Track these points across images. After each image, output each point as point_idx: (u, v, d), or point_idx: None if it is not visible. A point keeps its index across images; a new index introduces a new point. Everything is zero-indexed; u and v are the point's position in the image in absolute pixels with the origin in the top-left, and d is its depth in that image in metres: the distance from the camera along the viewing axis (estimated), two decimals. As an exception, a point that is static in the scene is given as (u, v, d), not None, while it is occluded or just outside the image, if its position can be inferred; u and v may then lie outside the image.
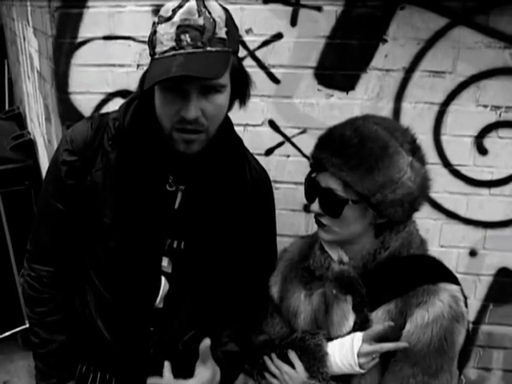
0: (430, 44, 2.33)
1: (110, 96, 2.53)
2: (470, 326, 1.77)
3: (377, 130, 1.58)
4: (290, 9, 2.34)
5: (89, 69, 2.49)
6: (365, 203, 1.59)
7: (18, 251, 4.09)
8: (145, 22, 2.33)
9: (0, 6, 7.46)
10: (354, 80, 2.41)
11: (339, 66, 2.39)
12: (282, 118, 2.50)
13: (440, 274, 1.66)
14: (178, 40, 1.40)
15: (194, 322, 1.84)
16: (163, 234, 1.72)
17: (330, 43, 2.36)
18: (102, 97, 2.53)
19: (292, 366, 1.73)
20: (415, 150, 1.62)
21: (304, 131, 2.50)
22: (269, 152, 2.54)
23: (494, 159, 2.47)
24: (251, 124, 2.50)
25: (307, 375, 1.69)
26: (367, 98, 2.43)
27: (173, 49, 1.41)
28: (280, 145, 2.54)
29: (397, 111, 2.43)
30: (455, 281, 1.65)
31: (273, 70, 2.43)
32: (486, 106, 2.40)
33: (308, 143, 2.35)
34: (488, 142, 2.45)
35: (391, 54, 2.36)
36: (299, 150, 2.52)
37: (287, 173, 2.56)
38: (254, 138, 2.49)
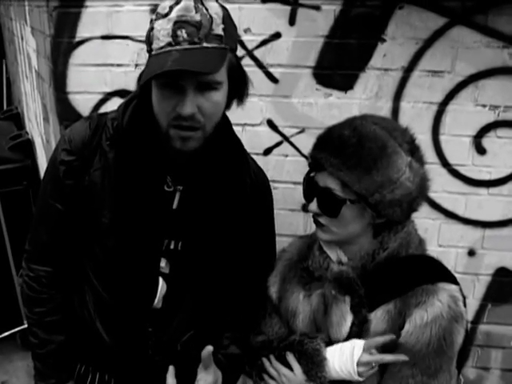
0: (428, 43, 2.33)
1: (108, 96, 2.52)
2: (469, 325, 1.77)
3: (375, 129, 1.58)
4: (288, 8, 2.34)
5: (87, 68, 2.48)
6: (363, 203, 1.58)
7: (16, 251, 4.09)
8: (143, 22, 2.31)
9: (-2, 5, 7.46)
10: (353, 79, 2.41)
11: (338, 66, 2.39)
12: (280, 118, 2.49)
13: (439, 273, 1.66)
14: (174, 36, 1.41)
15: (192, 323, 1.84)
16: (161, 235, 1.72)
17: (328, 43, 2.36)
18: (100, 96, 2.53)
19: (290, 368, 1.73)
20: (414, 150, 1.62)
21: (302, 131, 2.49)
22: (267, 152, 2.54)
23: (492, 159, 2.47)
24: (249, 124, 2.50)
25: (305, 378, 1.69)
26: (366, 97, 2.42)
27: (169, 44, 1.41)
28: (278, 144, 2.53)
29: (395, 111, 2.43)
30: (454, 280, 1.65)
31: (271, 70, 2.42)
32: (484, 106, 2.40)
33: (306, 143, 2.34)
34: (486, 142, 2.45)
35: (390, 54, 2.35)
36: (298, 149, 2.52)
37: (286, 172, 2.56)
38: (253, 137, 2.49)
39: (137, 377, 1.81)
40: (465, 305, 1.62)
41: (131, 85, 2.41)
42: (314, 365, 1.67)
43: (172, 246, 1.74)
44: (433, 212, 2.55)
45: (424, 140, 2.33)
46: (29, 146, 4.51)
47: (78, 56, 2.47)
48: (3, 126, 5.20)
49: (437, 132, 2.44)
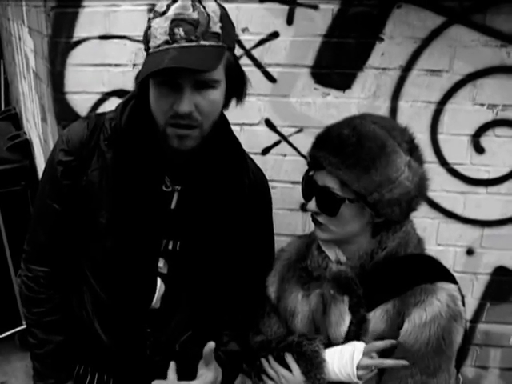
0: (426, 42, 2.32)
1: (106, 96, 2.52)
2: (468, 324, 1.77)
3: (375, 129, 1.58)
4: (286, 7, 2.34)
5: (85, 68, 2.48)
6: (362, 202, 1.58)
7: (14, 252, 4.08)
8: (141, 21, 2.31)
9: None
10: (351, 79, 2.41)
11: (336, 65, 2.39)
12: (278, 117, 2.49)
13: (437, 273, 1.66)
14: (171, 34, 1.41)
15: (190, 323, 1.84)
16: (159, 235, 1.72)
17: (326, 42, 2.35)
18: (98, 96, 2.53)
19: (289, 369, 1.72)
20: (413, 150, 1.62)
21: (301, 130, 2.49)
22: (265, 151, 2.54)
23: (490, 158, 2.47)
24: (248, 123, 2.49)
25: (304, 379, 1.69)
26: (364, 96, 2.42)
27: (166, 42, 1.41)
28: (277, 144, 2.53)
29: (393, 110, 2.43)
30: (453, 280, 1.65)
31: (269, 69, 2.42)
32: (482, 105, 2.40)
33: (305, 142, 2.34)
34: (485, 141, 2.45)
35: (388, 53, 2.35)
36: (296, 149, 2.52)
37: (284, 172, 2.55)
38: (251, 137, 2.48)
39: (135, 377, 1.81)
40: (463, 304, 1.62)
41: (129, 85, 2.39)
42: (312, 366, 1.67)
43: (170, 247, 1.73)
44: (431, 211, 2.55)
45: (422, 139, 2.32)
46: (27, 146, 4.50)
47: (76, 56, 2.46)
48: (1, 126, 5.19)
49: (435, 131, 2.44)
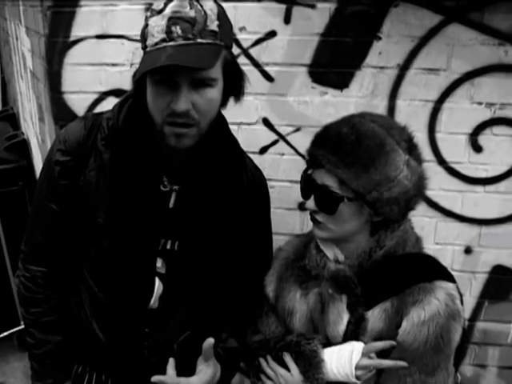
0: (424, 41, 2.32)
1: (104, 95, 2.52)
2: (466, 323, 1.77)
3: (374, 127, 1.58)
4: (283, 6, 2.33)
5: (82, 68, 2.47)
6: (360, 201, 1.58)
7: (12, 252, 4.08)
8: (138, 21, 2.27)
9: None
10: (348, 77, 2.41)
11: (333, 64, 2.39)
12: (276, 116, 2.49)
13: (436, 271, 1.66)
14: (168, 32, 1.41)
15: (189, 323, 1.84)
16: (157, 235, 1.72)
17: (323, 41, 2.35)
18: (95, 96, 2.52)
19: (287, 368, 1.72)
20: (412, 149, 1.62)
21: (298, 129, 2.49)
22: (263, 150, 2.54)
23: (488, 156, 2.47)
24: (245, 122, 2.49)
25: (302, 379, 1.69)
26: (361, 95, 2.42)
27: (163, 41, 1.41)
28: (274, 143, 2.53)
29: (391, 109, 2.42)
30: (451, 278, 1.65)
31: (267, 68, 2.42)
32: (480, 103, 2.40)
33: (303, 141, 2.35)
34: (483, 139, 2.45)
35: (385, 52, 2.35)
36: (294, 148, 2.51)
37: (282, 171, 2.55)
38: (249, 136, 2.48)
39: (133, 377, 1.81)
40: (462, 303, 1.62)
41: (126, 84, 2.39)
42: (311, 366, 1.67)
43: (168, 246, 1.73)
44: (429, 210, 2.55)
45: (420, 138, 2.32)
46: (24, 146, 4.50)
47: (73, 56, 2.46)
48: (-1, 126, 5.19)
49: (433, 130, 2.44)
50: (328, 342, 1.71)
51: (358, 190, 1.55)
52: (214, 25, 1.44)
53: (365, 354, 1.60)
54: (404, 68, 2.37)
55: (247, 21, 2.35)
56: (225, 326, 1.89)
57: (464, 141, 2.45)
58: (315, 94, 2.43)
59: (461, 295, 1.63)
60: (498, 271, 2.64)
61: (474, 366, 2.83)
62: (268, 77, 2.43)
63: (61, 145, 1.69)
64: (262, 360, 1.79)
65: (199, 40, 1.42)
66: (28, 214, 1.87)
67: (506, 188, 2.50)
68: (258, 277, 1.90)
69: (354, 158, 1.55)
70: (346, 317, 1.68)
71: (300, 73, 2.41)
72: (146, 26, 1.46)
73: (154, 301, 1.77)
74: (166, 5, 1.43)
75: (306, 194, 1.70)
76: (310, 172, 1.70)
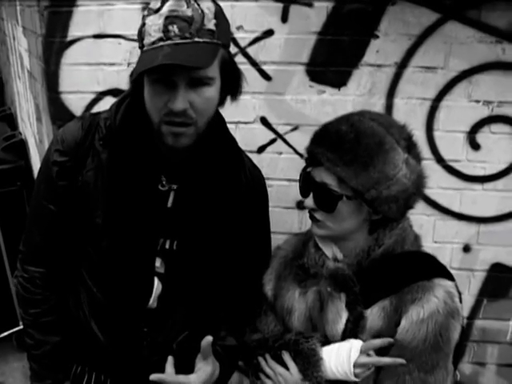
0: (421, 39, 2.32)
1: (101, 95, 2.51)
2: (465, 321, 1.77)
3: (373, 126, 1.58)
4: (280, 5, 2.33)
5: (79, 68, 2.47)
6: (359, 199, 1.58)
7: (11, 252, 4.08)
8: (135, 20, 2.30)
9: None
10: (346, 76, 2.41)
11: (331, 62, 2.39)
12: (273, 115, 2.49)
13: (434, 269, 1.66)
14: (165, 31, 1.40)
15: (187, 323, 1.84)
16: (156, 234, 1.72)
17: (321, 39, 2.35)
18: (92, 96, 2.52)
19: (286, 367, 1.72)
20: (411, 147, 1.62)
21: (296, 128, 2.49)
22: (261, 149, 2.54)
23: (486, 154, 2.47)
24: (243, 121, 2.49)
25: (301, 377, 1.69)
26: (359, 93, 2.42)
27: (160, 40, 1.41)
28: (272, 142, 2.53)
29: (389, 107, 2.42)
30: (450, 276, 1.65)
31: (264, 67, 2.42)
32: (478, 101, 2.40)
33: (300, 140, 2.35)
34: (480, 137, 2.45)
35: (383, 50, 2.35)
36: (291, 146, 2.51)
37: (280, 170, 2.55)
38: (246, 135, 2.48)
39: (132, 377, 1.81)
40: (461, 301, 1.62)
41: (124, 84, 2.38)
42: (309, 365, 1.67)
43: (167, 246, 1.73)
44: (428, 208, 2.55)
45: (418, 136, 2.29)
46: (22, 146, 4.50)
47: (70, 55, 2.46)
48: (-4, 126, 5.19)
49: (431, 128, 2.44)
50: (327, 341, 1.70)
51: (356, 188, 1.55)
52: (211, 23, 1.43)
53: (363, 352, 1.59)
54: (401, 66, 2.37)
55: (244, 19, 2.35)
56: (223, 325, 1.89)
57: (462, 139, 2.45)
58: (313, 93, 2.43)
59: (459, 293, 1.63)
60: (496, 269, 2.64)
61: (472, 364, 2.84)
62: (265, 76, 2.43)
63: (58, 145, 1.68)
64: (260, 359, 1.79)
65: (196, 39, 1.41)
66: (26, 214, 1.87)
67: (504, 186, 2.51)
68: (256, 276, 1.90)
69: (353, 156, 1.54)
70: (344, 315, 1.68)
71: (297, 71, 2.41)
72: (143, 25, 1.46)
73: (152, 300, 1.77)
74: (163, 4, 1.42)
75: (304, 192, 1.70)
76: (308, 170, 1.70)
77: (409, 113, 2.41)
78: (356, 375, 1.60)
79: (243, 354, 1.88)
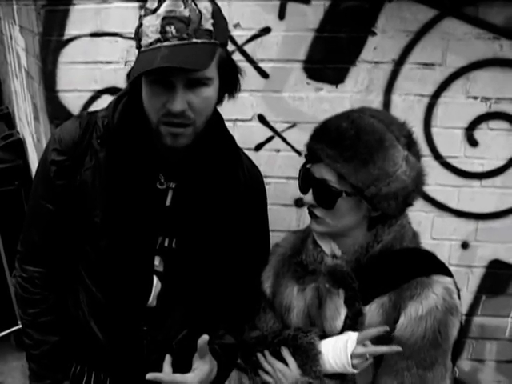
0: (419, 36, 2.32)
1: (98, 93, 2.51)
2: (463, 317, 1.77)
3: (373, 122, 1.58)
4: (277, 3, 2.33)
5: (76, 66, 2.47)
6: (359, 196, 1.58)
7: (9, 251, 4.08)
8: (132, 18, 2.31)
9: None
10: (344, 73, 2.40)
11: (328, 60, 2.38)
12: (271, 113, 2.49)
13: (433, 266, 1.67)
14: (163, 32, 1.40)
15: (187, 321, 1.84)
16: (155, 232, 1.71)
17: (318, 36, 2.35)
18: (90, 94, 2.52)
19: (285, 363, 1.72)
20: (411, 145, 1.62)
21: (294, 125, 2.49)
22: (259, 147, 2.54)
23: (484, 151, 2.47)
24: (241, 119, 2.49)
25: (300, 372, 1.69)
26: (357, 90, 2.42)
27: (158, 41, 1.41)
28: (270, 139, 2.53)
29: (387, 104, 2.42)
30: (448, 273, 1.65)
31: (261, 65, 2.42)
32: (476, 98, 2.40)
33: (298, 137, 2.35)
34: (478, 134, 2.45)
35: (380, 47, 2.35)
36: (289, 144, 2.51)
37: (278, 167, 2.55)
38: (244, 133, 2.48)
39: (132, 376, 1.80)
40: (459, 297, 1.62)
41: (121, 82, 2.38)
42: (308, 359, 1.67)
43: (166, 244, 1.73)
44: (426, 205, 2.55)
45: (416, 133, 2.31)
46: (20, 145, 4.50)
47: (67, 54, 2.45)
48: (-6, 126, 5.18)
49: (428, 124, 2.44)
50: (325, 335, 1.70)
51: (356, 184, 1.56)
52: (208, 23, 1.43)
53: (359, 342, 1.60)
54: (399, 63, 2.37)
55: (241, 17, 2.35)
56: (222, 323, 1.89)
57: (460, 135, 2.45)
58: (310, 90, 2.43)
59: (458, 290, 1.63)
60: (494, 266, 2.64)
61: (471, 361, 2.84)
62: (263, 73, 2.43)
63: (56, 144, 1.68)
64: (259, 355, 1.79)
65: (194, 40, 1.41)
66: (24, 213, 1.86)
67: (502, 182, 2.51)
68: (255, 273, 1.90)
69: (353, 153, 1.54)
70: (343, 312, 1.68)
71: (295, 69, 2.41)
72: (141, 25, 1.45)
73: (152, 299, 1.77)
74: (160, 4, 1.42)
75: (304, 189, 1.70)
76: (308, 166, 1.70)
77: (406, 110, 2.41)
78: (354, 366, 1.60)
79: (242, 351, 1.88)
